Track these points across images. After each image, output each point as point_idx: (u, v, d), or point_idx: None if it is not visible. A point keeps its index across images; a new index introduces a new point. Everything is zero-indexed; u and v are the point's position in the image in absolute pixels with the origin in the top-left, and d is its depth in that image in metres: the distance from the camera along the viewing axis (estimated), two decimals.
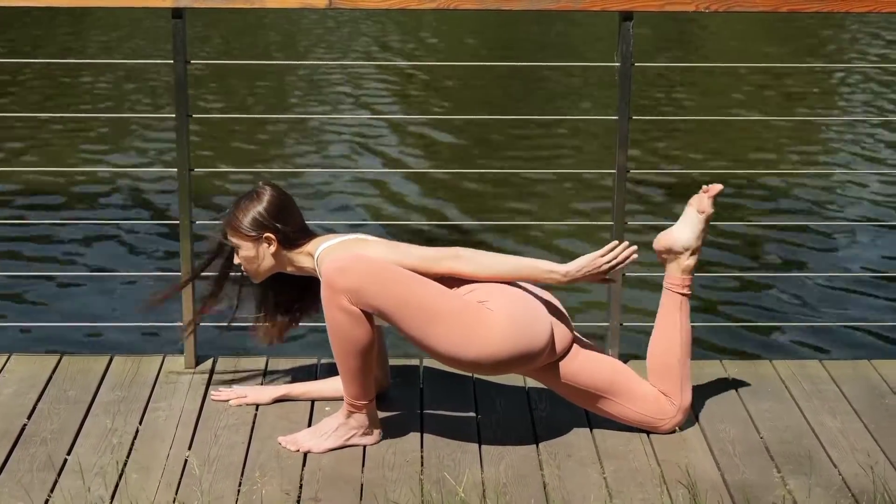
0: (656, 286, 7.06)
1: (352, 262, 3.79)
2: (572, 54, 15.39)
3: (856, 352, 6.37)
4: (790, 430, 4.15)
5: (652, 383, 4.15)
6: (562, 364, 4.03)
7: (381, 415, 4.09)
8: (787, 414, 4.28)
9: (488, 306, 3.87)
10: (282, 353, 4.69)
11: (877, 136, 11.44)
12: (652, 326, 4.21)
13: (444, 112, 12.22)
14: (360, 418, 3.97)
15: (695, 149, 10.85)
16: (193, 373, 4.56)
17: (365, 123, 11.48)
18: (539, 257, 4.09)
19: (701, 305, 7.06)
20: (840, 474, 3.85)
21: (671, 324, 4.18)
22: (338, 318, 3.80)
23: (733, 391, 4.45)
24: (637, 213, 8.42)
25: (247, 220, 4.05)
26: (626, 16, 4.43)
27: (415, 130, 11.51)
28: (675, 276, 4.20)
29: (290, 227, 4.06)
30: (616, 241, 3.97)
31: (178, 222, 4.59)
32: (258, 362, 4.64)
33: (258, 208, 4.05)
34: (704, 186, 4.21)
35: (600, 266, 3.94)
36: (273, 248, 4.06)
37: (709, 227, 4.21)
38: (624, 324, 4.77)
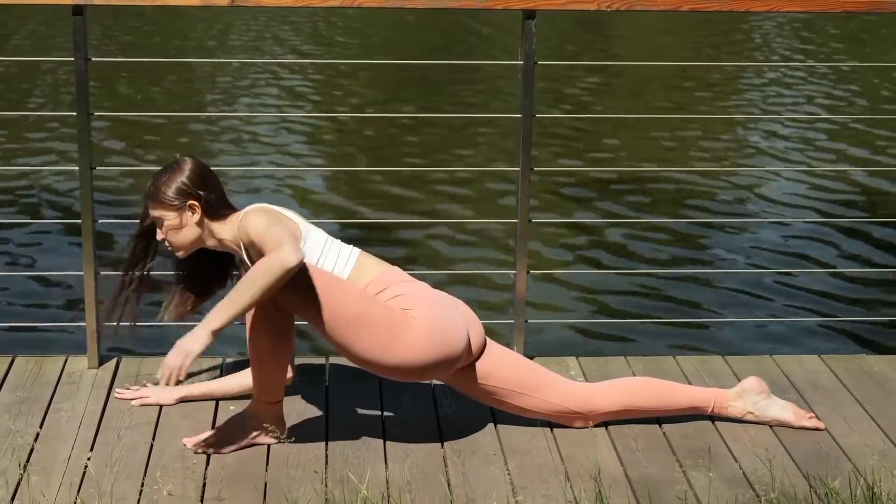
0: (560, 282, 7.14)
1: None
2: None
3: (758, 347, 6.45)
4: (692, 425, 4.19)
5: (601, 383, 4.22)
6: (476, 365, 4.06)
7: (287, 413, 4.07)
8: None
9: (412, 314, 3.88)
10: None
11: (782, 133, 11.59)
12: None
13: (353, 111, 12.21)
14: (266, 417, 3.96)
15: (599, 146, 10.94)
16: (97, 373, 4.51)
17: (273, 121, 11.43)
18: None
19: (606, 301, 7.12)
20: (741, 468, 3.90)
21: (672, 399, 4.22)
22: (259, 318, 3.78)
23: None
24: (542, 209, 8.47)
25: (170, 189, 4.04)
26: (529, 14, 4.45)
27: (322, 128, 11.49)
28: (737, 405, 4.21)
29: (213, 194, 4.06)
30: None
31: (80, 221, 4.54)
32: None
33: (181, 178, 4.05)
34: (812, 415, 4.24)
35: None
36: (197, 217, 4.05)
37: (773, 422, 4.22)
38: (528, 321, 4.79)
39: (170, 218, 4.05)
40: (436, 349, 3.88)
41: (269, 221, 3.88)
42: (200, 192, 4.03)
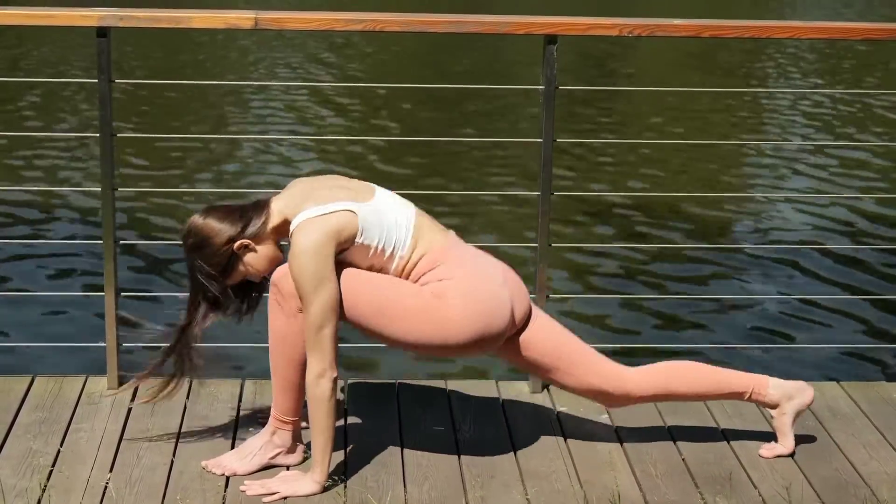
0: (580, 307, 7.15)
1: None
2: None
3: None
4: (711, 451, 4.19)
5: (640, 367, 4.17)
6: (521, 337, 4.00)
7: (305, 434, 4.07)
8: (709, 434, 4.32)
9: (448, 301, 3.83)
10: (205, 374, 4.64)
11: (801, 160, 11.58)
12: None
13: (374, 133, 12.24)
14: (285, 436, 3.96)
15: (620, 170, 10.94)
16: (116, 394, 4.52)
17: (294, 143, 11.46)
18: None
19: (626, 326, 7.11)
20: (760, 495, 3.89)
21: (711, 383, 4.18)
22: (285, 324, 3.77)
23: (655, 412, 4.47)
24: (562, 233, 8.47)
25: (213, 254, 3.85)
26: (551, 39, 4.47)
27: (344, 150, 11.51)
28: (775, 394, 4.19)
29: (245, 224, 3.86)
30: None
31: (101, 242, 4.56)
32: (181, 384, 4.59)
33: (208, 239, 3.85)
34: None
35: None
36: (252, 246, 3.86)
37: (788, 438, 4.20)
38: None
39: (239, 266, 3.89)
40: (475, 330, 3.83)
41: (314, 281, 3.70)
42: (238, 231, 3.85)
